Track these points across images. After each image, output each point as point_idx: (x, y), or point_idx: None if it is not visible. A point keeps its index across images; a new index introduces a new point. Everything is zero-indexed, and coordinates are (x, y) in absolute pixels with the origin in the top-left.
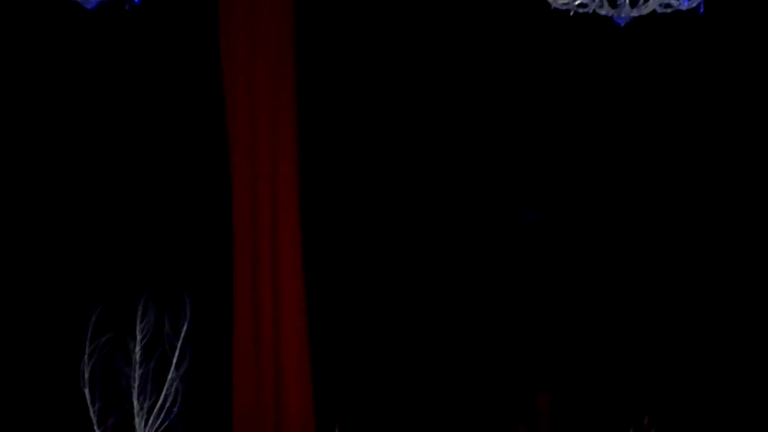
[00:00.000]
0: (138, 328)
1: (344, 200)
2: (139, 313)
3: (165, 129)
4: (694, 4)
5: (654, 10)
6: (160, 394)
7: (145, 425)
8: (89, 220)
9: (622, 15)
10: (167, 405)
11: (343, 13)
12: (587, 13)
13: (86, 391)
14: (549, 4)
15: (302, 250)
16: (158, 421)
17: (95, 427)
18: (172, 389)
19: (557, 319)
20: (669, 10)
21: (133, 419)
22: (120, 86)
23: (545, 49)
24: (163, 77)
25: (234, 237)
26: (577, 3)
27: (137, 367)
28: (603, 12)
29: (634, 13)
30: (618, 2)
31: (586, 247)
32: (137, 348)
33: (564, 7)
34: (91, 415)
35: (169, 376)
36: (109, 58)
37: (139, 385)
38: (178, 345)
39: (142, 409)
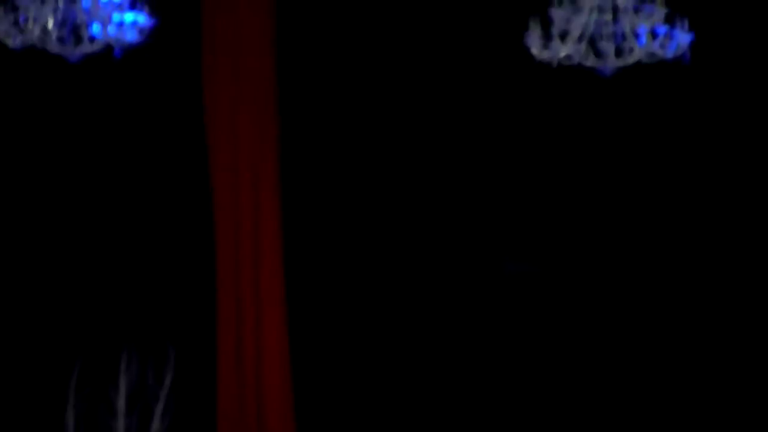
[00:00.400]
0: (121, 380)
1: (327, 253)
2: (123, 365)
3: (147, 179)
4: (679, 53)
5: (639, 60)
6: None
7: None
8: (73, 272)
9: (608, 65)
10: None
11: (326, 60)
12: (572, 65)
13: None
14: (534, 57)
15: (286, 303)
16: None
17: None
18: None
19: (539, 366)
20: (654, 60)
21: None
22: (103, 136)
23: (532, 100)
24: (146, 127)
25: (217, 288)
26: (562, 55)
27: (121, 418)
28: (588, 63)
29: (620, 63)
30: (602, 53)
31: (570, 296)
32: (121, 399)
33: (549, 59)
34: None
35: (153, 428)
36: (92, 108)
37: None
38: (162, 396)
39: None
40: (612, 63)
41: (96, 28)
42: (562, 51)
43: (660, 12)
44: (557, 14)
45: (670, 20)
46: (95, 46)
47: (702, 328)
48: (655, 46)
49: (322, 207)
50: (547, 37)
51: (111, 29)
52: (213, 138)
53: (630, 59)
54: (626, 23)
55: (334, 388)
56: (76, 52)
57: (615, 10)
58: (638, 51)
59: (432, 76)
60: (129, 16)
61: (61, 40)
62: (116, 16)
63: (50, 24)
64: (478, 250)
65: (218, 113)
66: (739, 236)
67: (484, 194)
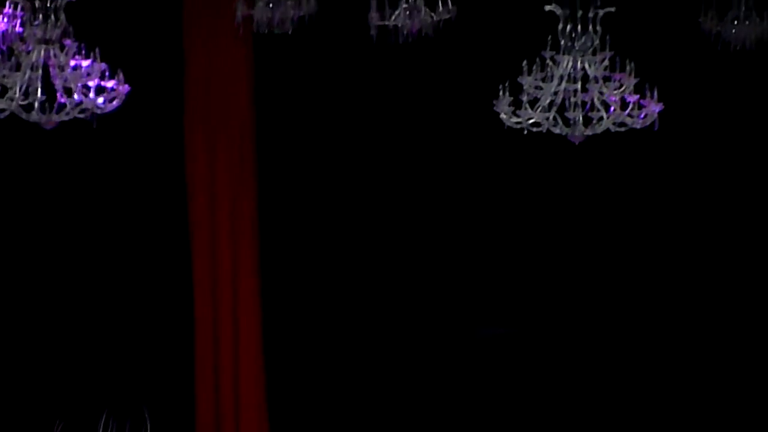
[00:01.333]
0: None
1: (305, 311)
2: (101, 427)
3: (126, 247)
4: (648, 123)
5: (608, 129)
6: None
7: None
8: (49, 337)
9: (576, 133)
10: None
11: (304, 110)
12: (541, 131)
13: None
14: (503, 123)
15: (264, 374)
16: None
17: None
18: None
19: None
20: (623, 129)
21: None
22: (78, 198)
23: (501, 165)
24: (127, 180)
25: (195, 354)
26: (531, 122)
27: None
28: (557, 131)
29: (588, 131)
30: (571, 121)
31: (543, 357)
32: None
33: (518, 126)
34: None
35: None
36: (73, 167)
37: None
38: None
39: None
40: (580, 131)
41: (70, 95)
42: (531, 118)
43: (630, 81)
44: (527, 82)
45: (640, 90)
46: (71, 114)
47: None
48: (624, 116)
49: (300, 260)
50: (516, 104)
51: (86, 97)
52: (192, 190)
53: (599, 128)
54: (595, 92)
55: None
56: (51, 119)
57: (585, 79)
58: (607, 121)
59: (403, 139)
60: (103, 85)
61: (34, 107)
62: (91, 84)
63: (18, 92)
64: (453, 315)
65: (197, 173)
66: (706, 298)
67: (457, 259)
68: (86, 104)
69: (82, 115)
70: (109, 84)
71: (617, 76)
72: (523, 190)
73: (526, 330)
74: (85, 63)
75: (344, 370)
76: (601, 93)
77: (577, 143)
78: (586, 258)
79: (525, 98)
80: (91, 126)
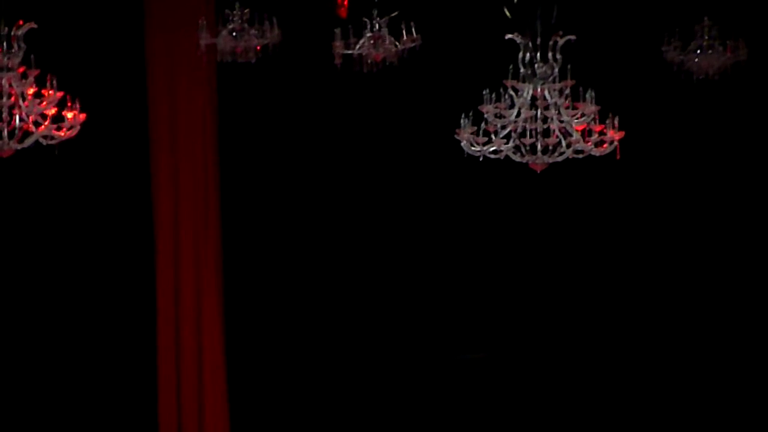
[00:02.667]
0: None
1: (270, 361)
2: None
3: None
4: (608, 151)
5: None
6: None
7: None
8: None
9: (537, 161)
10: None
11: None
12: (499, 159)
13: None
14: (463, 150)
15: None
16: None
17: None
18: None
19: None
20: (581, 156)
21: None
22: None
23: (464, 193)
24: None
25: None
26: (491, 149)
27: None
28: (517, 158)
29: (548, 159)
30: (533, 149)
31: (519, 380)
32: None
33: (477, 153)
34: None
35: None
36: (36, 195)
37: None
38: None
39: None
40: (541, 159)
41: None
42: (492, 146)
43: (590, 109)
44: (488, 110)
45: (602, 118)
46: (27, 143)
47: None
48: (585, 144)
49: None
50: (477, 133)
51: (43, 125)
52: (158, 219)
53: (559, 156)
54: (556, 120)
55: None
56: (9, 147)
57: (546, 107)
58: (567, 151)
59: (368, 167)
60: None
61: None
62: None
63: None
64: (436, 340)
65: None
66: (674, 320)
67: (428, 288)
68: (45, 132)
69: (44, 142)
70: (69, 114)
71: (579, 105)
72: (492, 216)
73: (505, 354)
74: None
75: (317, 393)
76: (561, 121)
77: (539, 171)
78: (561, 281)
79: (483, 126)
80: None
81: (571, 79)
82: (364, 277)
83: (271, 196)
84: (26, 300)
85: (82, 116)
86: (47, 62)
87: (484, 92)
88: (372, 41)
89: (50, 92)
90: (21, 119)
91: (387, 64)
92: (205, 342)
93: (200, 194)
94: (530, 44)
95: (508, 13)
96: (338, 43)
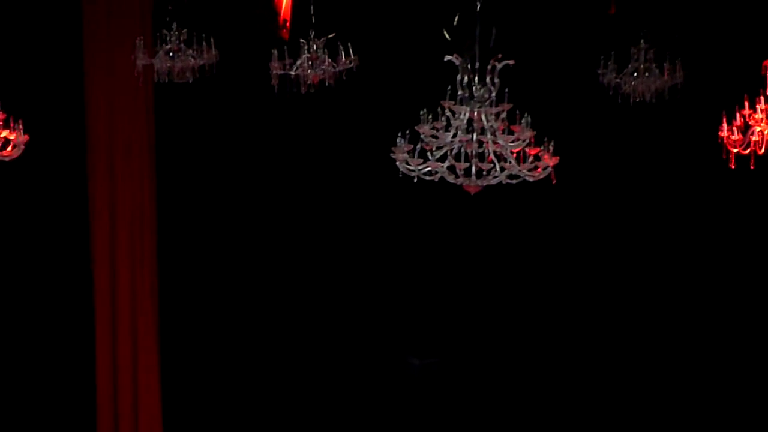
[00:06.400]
0: None
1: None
2: None
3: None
4: (543, 176)
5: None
6: None
7: None
8: None
9: (471, 184)
10: None
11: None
12: (433, 180)
13: None
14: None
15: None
16: None
17: None
18: None
19: None
20: (515, 181)
21: None
22: None
23: (399, 212)
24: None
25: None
26: (426, 170)
27: None
28: (451, 180)
29: (483, 182)
30: (466, 172)
31: (469, 384)
32: None
33: (411, 173)
34: None
35: None
36: None
37: None
38: None
39: None
40: (474, 182)
41: None
42: (426, 167)
43: (526, 134)
44: (424, 130)
45: (537, 142)
46: None
47: None
48: (519, 170)
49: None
50: (413, 153)
51: None
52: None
53: (493, 180)
54: (491, 144)
55: None
56: None
57: (482, 131)
58: (501, 173)
59: (307, 185)
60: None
61: None
62: None
63: None
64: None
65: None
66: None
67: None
68: None
69: None
70: (11, 136)
71: (514, 129)
72: (427, 231)
73: (456, 359)
74: None
75: (261, 400)
76: (496, 144)
77: (472, 194)
78: (504, 293)
79: (419, 147)
80: None
81: (509, 102)
82: (299, 294)
83: (207, 209)
84: None
85: (25, 137)
86: None
87: (421, 113)
88: (309, 62)
89: None
90: None
91: (326, 84)
92: (140, 344)
93: (137, 210)
94: (469, 67)
95: (447, 36)
96: (275, 64)
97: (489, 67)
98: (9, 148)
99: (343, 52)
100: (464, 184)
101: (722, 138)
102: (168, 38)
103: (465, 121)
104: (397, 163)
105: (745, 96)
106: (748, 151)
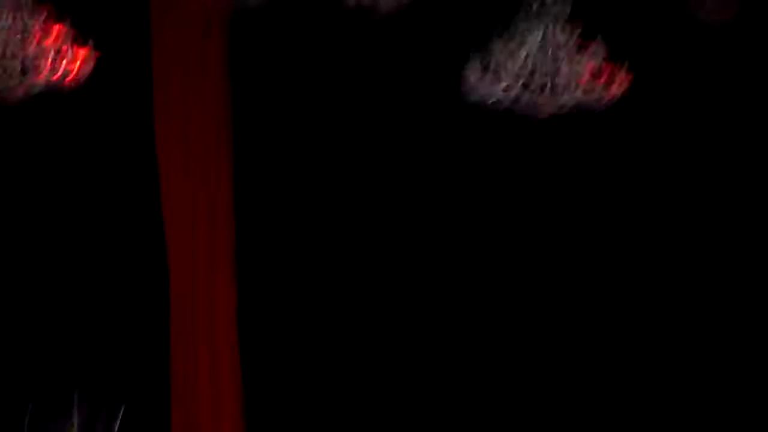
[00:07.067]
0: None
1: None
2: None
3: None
4: (613, 101)
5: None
6: None
7: None
8: (25, 313)
9: (542, 102)
10: None
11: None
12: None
13: None
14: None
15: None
16: None
17: None
18: None
19: None
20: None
21: None
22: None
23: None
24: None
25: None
26: (500, 87)
27: None
28: (526, 98)
29: (552, 106)
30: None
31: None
32: None
33: (485, 96)
34: None
35: None
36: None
37: None
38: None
39: None
40: (545, 102)
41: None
42: (500, 85)
43: (600, 50)
44: (497, 48)
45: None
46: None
47: None
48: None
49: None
50: (485, 71)
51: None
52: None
53: (565, 101)
54: (565, 61)
55: None
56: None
57: (557, 47)
58: (570, 97)
59: (364, 119)
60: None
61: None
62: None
63: None
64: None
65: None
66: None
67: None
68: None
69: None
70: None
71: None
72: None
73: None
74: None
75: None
76: (572, 61)
77: (539, 118)
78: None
79: (494, 65)
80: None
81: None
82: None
83: (285, 153)
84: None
85: (94, 54)
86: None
87: (493, 31)
88: None
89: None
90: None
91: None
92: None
93: (212, 161)
94: None
95: None
96: None
97: None
98: (78, 63)
99: None
100: (537, 103)
101: None
102: None
103: (538, 39)
104: (471, 79)
105: None
106: None
